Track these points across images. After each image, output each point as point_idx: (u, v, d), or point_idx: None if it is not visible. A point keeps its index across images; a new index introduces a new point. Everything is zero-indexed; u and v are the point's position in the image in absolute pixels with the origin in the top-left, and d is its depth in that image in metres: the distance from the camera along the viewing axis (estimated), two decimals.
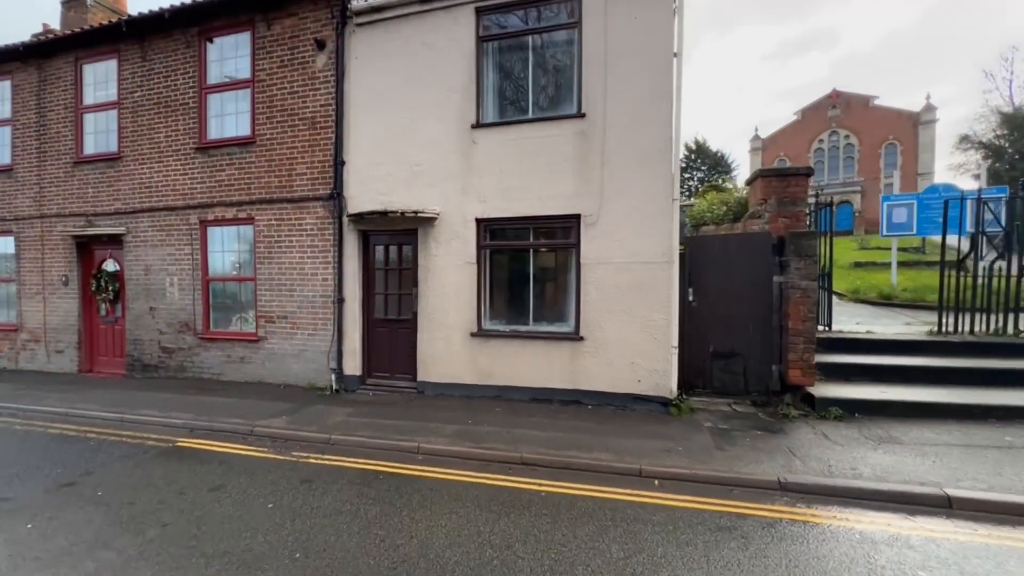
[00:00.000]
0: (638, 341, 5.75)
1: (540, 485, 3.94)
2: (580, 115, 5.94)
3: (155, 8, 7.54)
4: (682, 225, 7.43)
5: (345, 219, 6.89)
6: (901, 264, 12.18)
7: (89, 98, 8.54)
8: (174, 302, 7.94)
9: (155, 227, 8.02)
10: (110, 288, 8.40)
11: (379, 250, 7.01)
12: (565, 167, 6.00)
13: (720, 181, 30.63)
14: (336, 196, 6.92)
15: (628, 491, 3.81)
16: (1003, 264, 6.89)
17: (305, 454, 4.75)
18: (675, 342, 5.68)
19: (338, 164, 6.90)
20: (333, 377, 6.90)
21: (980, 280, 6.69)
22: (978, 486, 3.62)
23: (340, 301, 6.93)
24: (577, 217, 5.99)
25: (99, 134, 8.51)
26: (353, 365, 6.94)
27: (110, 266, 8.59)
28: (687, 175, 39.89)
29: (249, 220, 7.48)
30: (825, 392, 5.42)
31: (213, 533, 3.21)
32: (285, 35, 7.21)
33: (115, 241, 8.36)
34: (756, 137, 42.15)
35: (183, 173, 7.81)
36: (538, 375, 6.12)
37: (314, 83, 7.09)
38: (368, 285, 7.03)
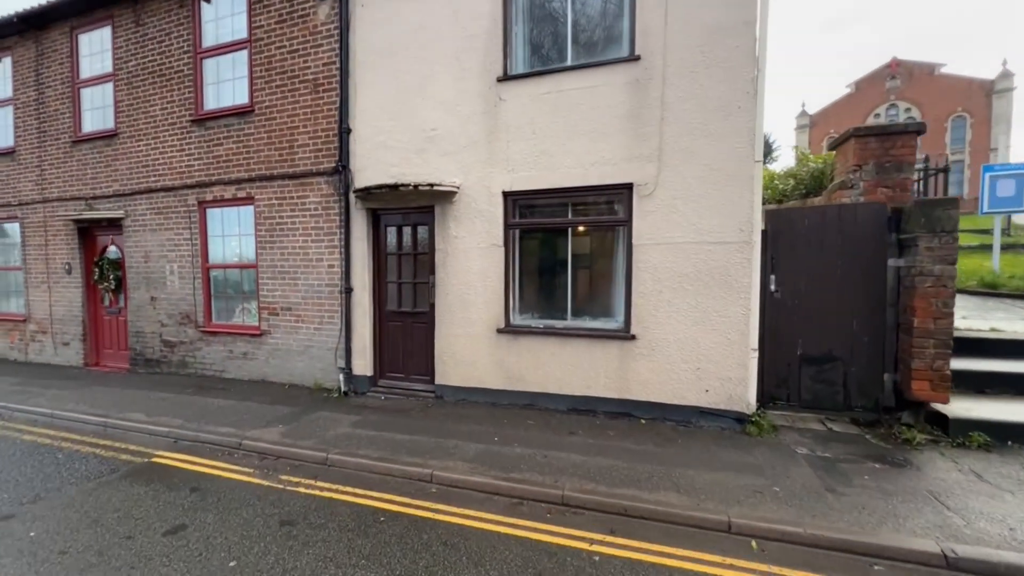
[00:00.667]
0: (706, 341, 4.59)
1: (591, 542, 2.90)
2: (633, 58, 4.73)
3: None
4: None
5: (352, 196, 5.96)
6: (986, 247, 10.37)
7: (86, 71, 7.90)
8: (174, 291, 7.28)
9: (153, 209, 7.34)
10: (112, 276, 7.82)
11: (391, 232, 6.06)
12: (613, 125, 4.83)
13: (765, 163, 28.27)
14: (341, 169, 5.99)
15: (716, 558, 2.73)
16: None
17: (295, 478, 3.88)
18: (755, 343, 4.49)
19: (343, 132, 5.95)
20: (341, 377, 6.04)
21: None
22: None
23: (348, 291, 6.04)
24: (628, 187, 4.83)
25: (96, 110, 7.87)
26: (363, 364, 6.06)
27: (112, 253, 8.01)
28: None
29: (249, 200, 6.66)
30: (960, 411, 4.13)
31: None
32: None
33: (115, 226, 7.76)
34: (803, 113, 38.97)
35: (179, 149, 7.06)
36: (579, 381, 5.06)
37: (316, 39, 6.13)
38: (379, 272, 6.11)
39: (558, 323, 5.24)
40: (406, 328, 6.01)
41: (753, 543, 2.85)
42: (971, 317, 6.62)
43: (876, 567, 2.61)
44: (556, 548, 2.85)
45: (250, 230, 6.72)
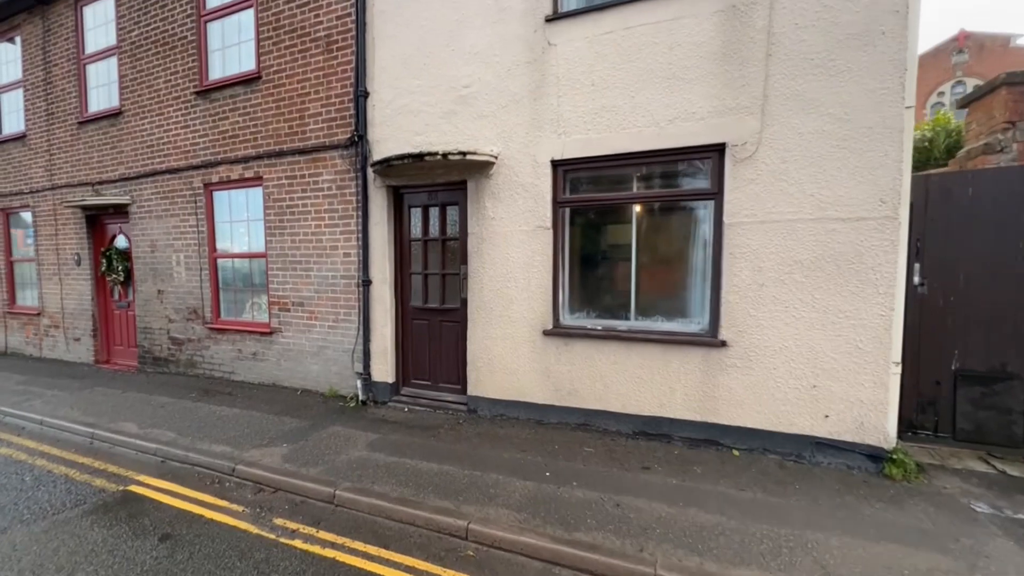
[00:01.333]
0: (826, 350, 3.45)
1: None
2: None
3: None
4: None
5: (370, 172, 5.06)
6: None
7: (91, 45, 7.30)
8: (181, 284, 6.61)
9: (158, 194, 6.67)
10: (120, 268, 7.24)
11: (415, 214, 5.13)
12: (700, 69, 3.72)
13: None
14: (357, 140, 5.09)
15: None
16: None
17: (292, 524, 3.01)
18: (897, 355, 3.32)
19: (359, 97, 5.04)
20: (359, 384, 5.19)
21: None
22: None
23: (366, 283, 5.16)
24: (718, 149, 3.72)
25: (101, 87, 7.27)
26: (384, 369, 5.18)
27: (120, 242, 7.44)
28: None
29: (257, 180, 5.88)
30: None
31: None
32: None
33: (122, 213, 7.16)
34: None
35: (184, 126, 6.35)
36: (648, 397, 4.01)
37: None
38: (402, 262, 5.20)
39: (620, 324, 4.20)
40: (433, 328, 5.09)
41: None
42: None
43: None
44: None
45: (259, 215, 5.94)
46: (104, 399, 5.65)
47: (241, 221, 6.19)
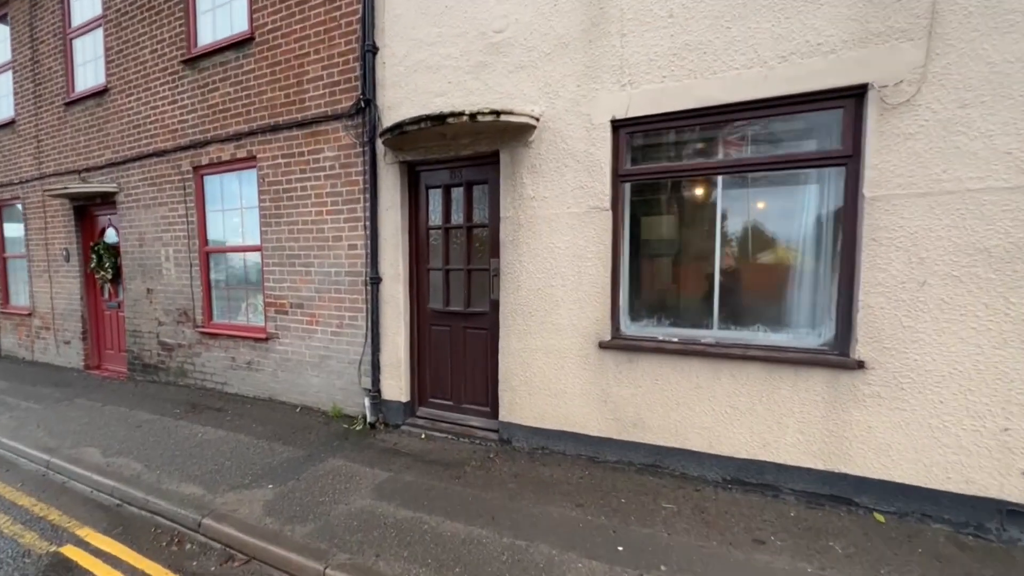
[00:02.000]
0: None
1: None
2: None
3: None
4: None
5: (379, 146, 4.15)
6: None
7: (77, 17, 6.59)
8: (171, 282, 5.83)
9: (146, 180, 5.91)
10: (109, 264, 6.52)
11: (434, 197, 4.19)
12: None
13: None
14: (364, 107, 4.18)
15: None
16: None
17: None
18: None
19: (367, 53, 4.12)
20: (367, 403, 4.29)
21: None
22: None
23: (375, 281, 4.25)
24: (855, 93, 2.67)
25: (88, 64, 6.55)
26: (396, 386, 4.27)
27: (110, 236, 6.73)
28: None
29: (250, 161, 5.03)
30: None
31: None
32: None
33: (110, 203, 6.44)
34: None
35: (171, 101, 5.55)
36: (745, 434, 2.99)
37: None
38: (417, 255, 4.28)
39: (703, 335, 3.18)
40: (456, 336, 4.15)
41: None
42: None
43: None
44: None
45: (254, 202, 5.10)
46: (79, 415, 4.89)
47: (234, 210, 5.36)
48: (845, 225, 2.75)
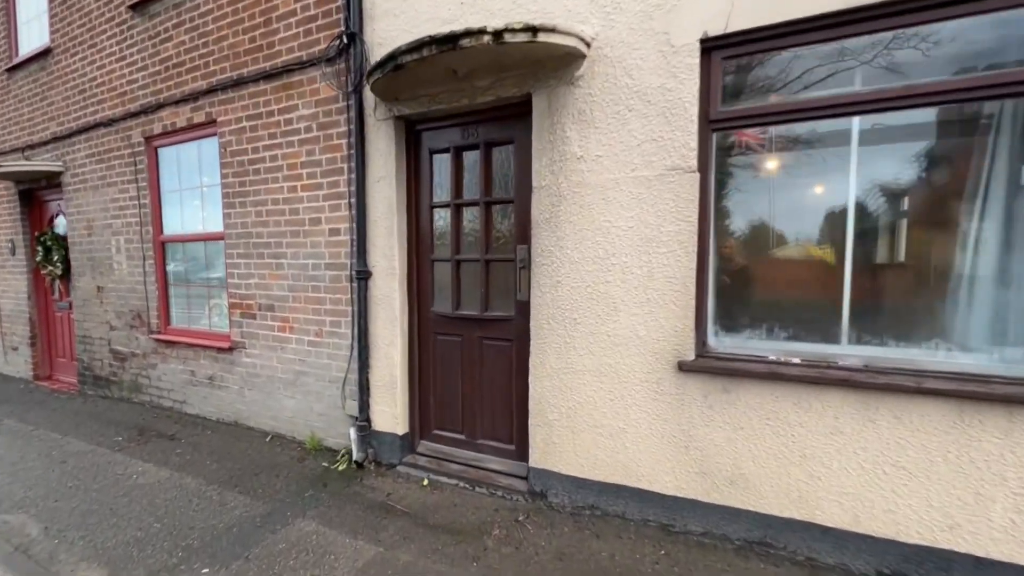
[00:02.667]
0: None
1: None
2: None
3: None
4: None
5: (368, 97, 3.13)
6: None
7: None
8: (122, 278, 4.84)
9: (93, 156, 4.92)
10: (57, 258, 5.53)
11: (440, 164, 3.16)
12: None
13: None
14: (349, 44, 3.16)
15: None
16: None
17: None
18: None
19: None
20: (353, 434, 3.29)
21: None
22: None
23: (362, 276, 3.24)
24: None
25: (31, 22, 5.57)
26: (390, 413, 3.26)
27: (60, 225, 5.75)
28: None
29: (210, 126, 4.03)
30: None
31: None
32: None
33: (56, 185, 5.45)
34: None
35: (119, 57, 4.55)
36: (920, 507, 1.96)
37: None
38: (418, 241, 3.26)
39: (841, 352, 2.15)
40: (470, 349, 3.12)
41: None
42: None
43: None
44: None
45: (216, 178, 4.09)
46: (1, 443, 3.92)
47: (193, 189, 4.36)
48: None
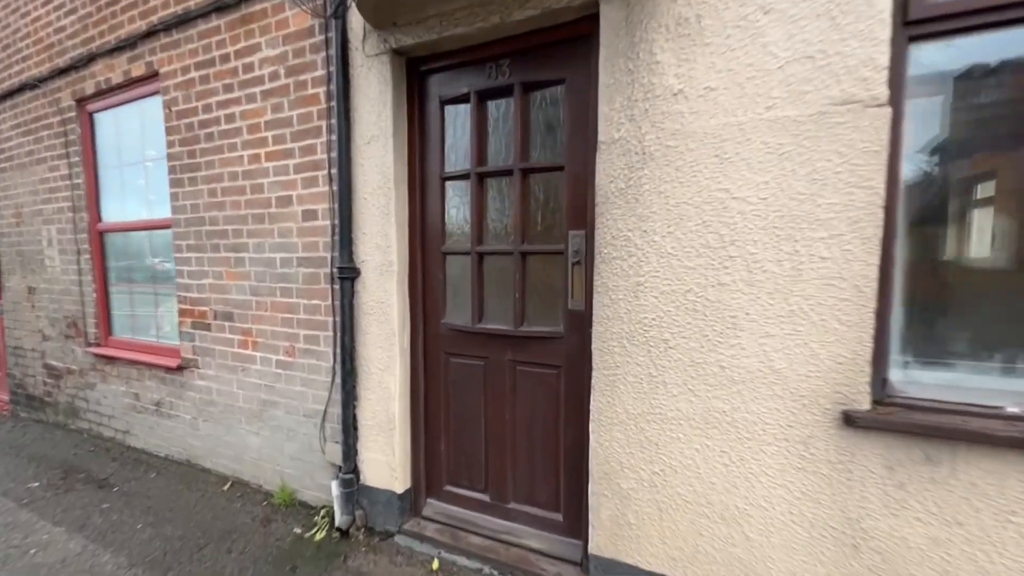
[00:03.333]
0: None
1: None
2: None
3: None
4: None
5: (355, 21, 2.24)
6: None
7: None
8: (55, 277, 3.93)
9: (19, 128, 3.99)
10: None
11: (455, 118, 2.26)
12: None
13: None
14: None
15: None
16: None
17: None
18: None
19: None
20: (335, 489, 2.40)
21: None
22: None
23: (348, 275, 2.35)
24: None
25: None
26: (386, 463, 2.38)
27: None
28: None
29: (152, 81, 3.12)
30: None
31: None
32: None
33: None
34: None
35: (45, 1, 3.63)
36: None
37: None
38: (424, 228, 2.36)
39: None
40: (498, 376, 2.23)
41: None
42: None
43: None
44: None
45: (164, 150, 3.18)
46: None
47: (135, 165, 3.44)
48: None
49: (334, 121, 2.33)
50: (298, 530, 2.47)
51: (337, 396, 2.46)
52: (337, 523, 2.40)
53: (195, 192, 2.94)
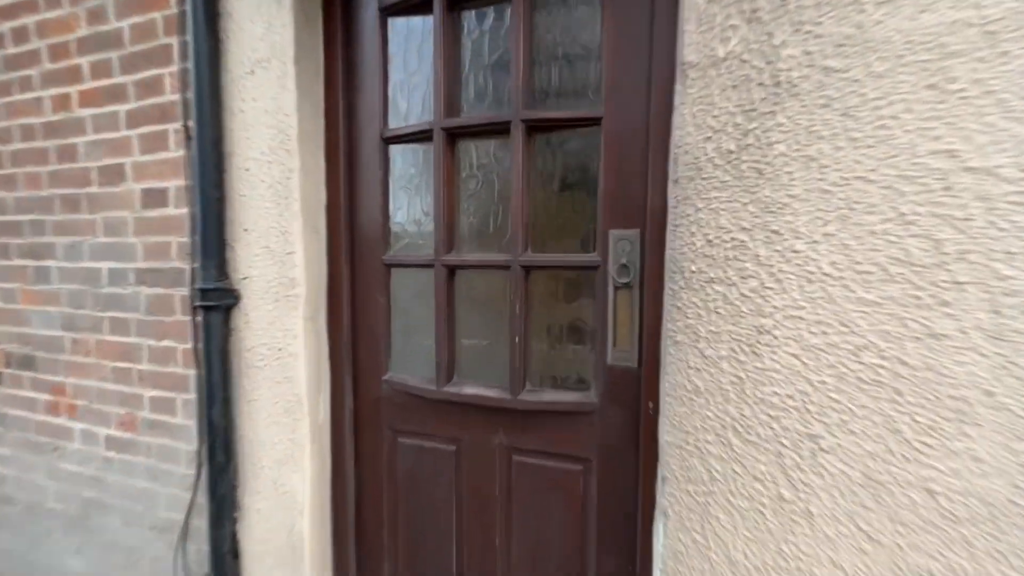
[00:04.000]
0: None
1: None
2: None
3: None
4: None
5: None
6: None
7: None
8: None
9: None
10: None
11: (409, 41, 1.35)
12: None
13: None
14: None
15: None
16: None
17: None
18: None
19: None
20: None
21: None
22: None
23: (215, 302, 1.36)
24: None
25: None
26: None
27: None
28: None
29: None
30: None
31: None
32: None
33: None
34: None
35: None
36: None
37: None
38: (353, 221, 1.43)
39: None
40: (481, 471, 1.34)
41: None
42: None
43: None
44: None
45: None
46: None
47: None
48: None
49: (191, 36, 1.34)
50: None
51: (204, 501, 1.46)
52: None
53: None
